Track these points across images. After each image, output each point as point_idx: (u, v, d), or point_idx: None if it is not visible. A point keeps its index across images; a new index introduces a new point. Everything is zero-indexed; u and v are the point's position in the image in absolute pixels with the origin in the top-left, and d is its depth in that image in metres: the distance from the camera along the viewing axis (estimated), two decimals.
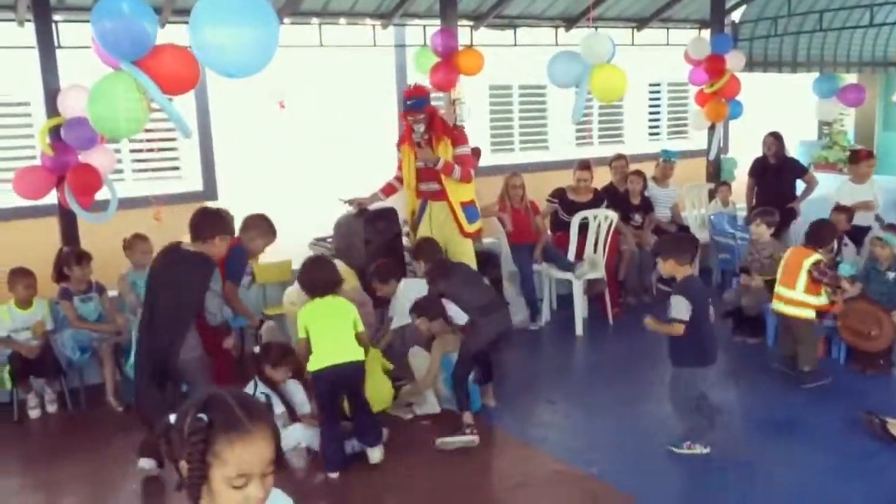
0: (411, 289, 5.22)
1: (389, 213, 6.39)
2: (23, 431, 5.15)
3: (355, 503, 4.09)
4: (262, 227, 5.10)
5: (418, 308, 4.90)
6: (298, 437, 4.51)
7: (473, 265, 5.94)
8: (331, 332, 4.36)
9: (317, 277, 4.51)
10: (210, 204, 6.85)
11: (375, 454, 4.39)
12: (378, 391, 4.93)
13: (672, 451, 4.41)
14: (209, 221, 4.23)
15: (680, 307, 4.28)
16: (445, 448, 4.56)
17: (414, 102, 5.72)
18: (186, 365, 4.05)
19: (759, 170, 8.09)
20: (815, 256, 5.41)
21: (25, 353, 5.20)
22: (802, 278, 5.40)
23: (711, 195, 8.49)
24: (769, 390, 5.40)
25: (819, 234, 5.57)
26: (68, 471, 4.50)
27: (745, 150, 9.14)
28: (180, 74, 4.37)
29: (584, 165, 7.34)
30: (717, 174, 8.83)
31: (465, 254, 5.94)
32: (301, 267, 4.62)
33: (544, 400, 5.34)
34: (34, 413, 5.28)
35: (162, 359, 4.05)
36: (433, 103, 5.93)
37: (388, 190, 6.23)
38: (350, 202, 6.24)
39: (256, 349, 4.72)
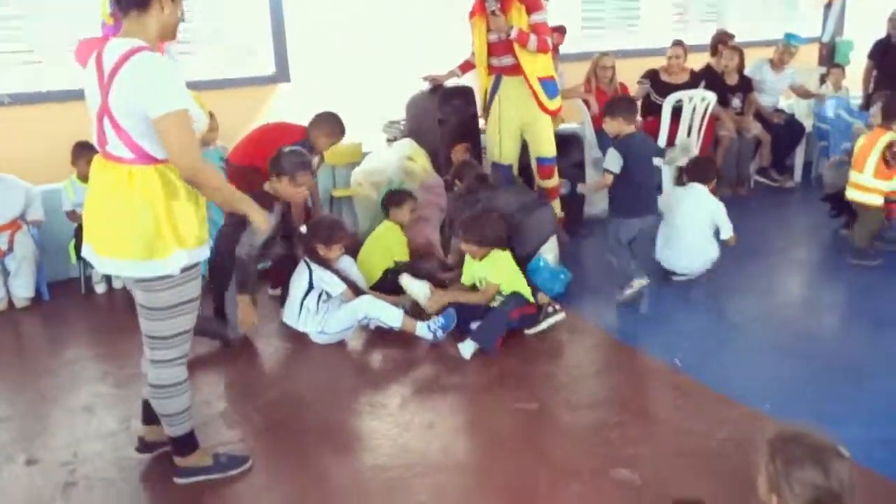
0: None
1: (465, 92, 5.98)
2: (89, 305, 5.13)
3: (479, 389, 3.87)
4: (329, 125, 4.94)
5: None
6: (366, 310, 4.25)
7: (553, 147, 5.51)
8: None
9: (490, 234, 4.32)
10: (282, 86, 6.63)
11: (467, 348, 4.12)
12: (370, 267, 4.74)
13: (620, 301, 4.62)
14: (271, 162, 4.24)
15: (612, 159, 4.58)
16: (538, 332, 4.31)
17: None
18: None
19: (881, 52, 7.31)
20: (890, 135, 4.88)
21: None
22: (872, 160, 4.98)
23: (823, 80, 7.70)
24: (874, 286, 4.90)
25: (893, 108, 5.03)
26: (131, 343, 4.40)
27: (861, 33, 8.23)
28: None
29: (678, 42, 6.70)
30: (830, 57, 8.00)
31: (544, 133, 5.47)
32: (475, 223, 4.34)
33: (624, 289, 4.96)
34: (100, 288, 5.26)
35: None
36: None
37: (466, 67, 5.78)
38: (426, 78, 5.84)
39: (303, 228, 4.45)
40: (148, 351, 2.93)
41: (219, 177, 2.77)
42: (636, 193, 4.62)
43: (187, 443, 3.06)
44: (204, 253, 2.79)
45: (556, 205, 5.53)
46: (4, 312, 4.99)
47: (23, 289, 4.99)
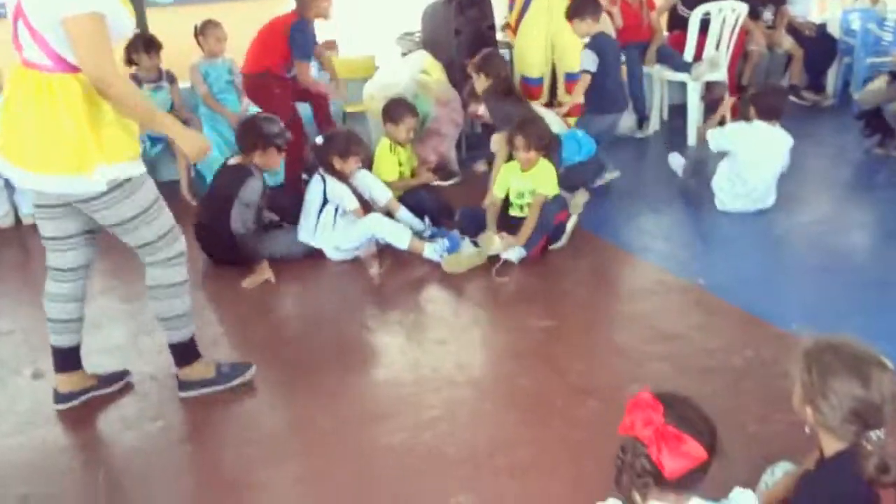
0: None
1: (482, 1, 5.71)
2: None
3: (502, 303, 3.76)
4: None
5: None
6: (374, 228, 4.10)
7: (577, 60, 5.26)
8: None
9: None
10: None
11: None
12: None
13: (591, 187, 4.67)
14: (245, 133, 4.16)
15: (588, 59, 4.80)
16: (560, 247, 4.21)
17: None
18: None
19: None
20: None
21: None
22: None
23: None
24: None
25: None
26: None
27: None
28: None
29: None
30: None
31: (574, 45, 5.22)
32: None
33: (649, 209, 4.79)
34: None
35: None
36: None
37: None
38: None
39: (319, 139, 4.29)
40: (140, 256, 2.80)
41: (136, 93, 2.57)
42: (612, 90, 4.89)
43: (189, 350, 2.97)
44: (136, 168, 2.58)
45: (572, 121, 5.33)
46: (10, 229, 4.92)
47: (28, 206, 4.86)
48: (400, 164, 4.81)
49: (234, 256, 4.05)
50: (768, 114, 4.45)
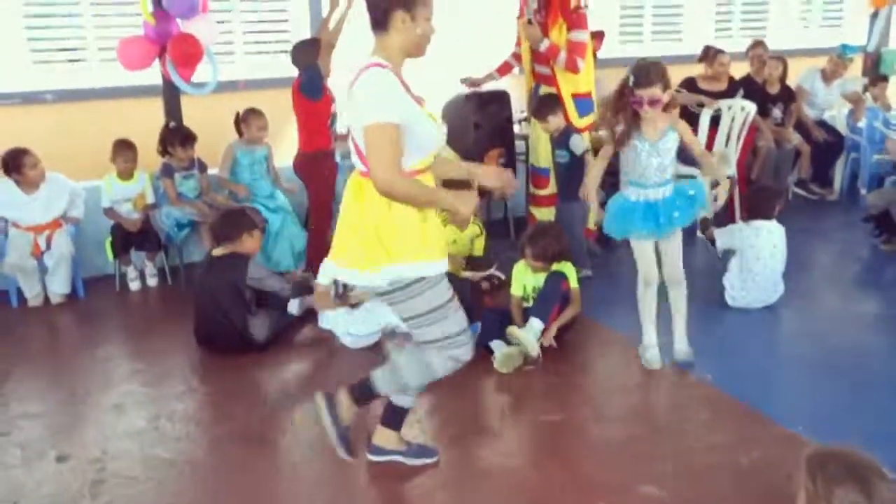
0: None
1: (501, 97, 5.96)
2: (122, 303, 5.20)
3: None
4: (309, 45, 5.08)
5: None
6: (387, 313, 4.11)
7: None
8: None
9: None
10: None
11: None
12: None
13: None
14: (231, 222, 4.36)
15: (581, 143, 5.04)
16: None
17: None
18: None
19: None
20: None
21: (126, 225, 5.22)
22: None
23: (865, 90, 7.52)
24: None
25: None
26: (163, 342, 4.49)
27: None
28: None
29: (720, 51, 6.60)
30: (875, 68, 7.82)
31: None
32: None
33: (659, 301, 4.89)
34: (134, 286, 5.31)
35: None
36: None
37: (504, 69, 5.76)
38: (464, 81, 5.82)
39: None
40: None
41: (418, 191, 2.66)
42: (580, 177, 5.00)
43: (400, 418, 3.14)
44: (430, 269, 2.74)
45: (549, 212, 5.50)
46: (40, 309, 5.07)
47: (59, 286, 5.07)
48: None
49: (238, 344, 4.21)
50: (760, 214, 4.73)
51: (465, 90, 5.86)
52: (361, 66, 2.63)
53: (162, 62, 5.26)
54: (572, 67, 5.19)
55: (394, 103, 2.58)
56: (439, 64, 6.18)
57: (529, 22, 5.15)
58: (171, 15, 5.14)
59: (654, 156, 3.62)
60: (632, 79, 3.57)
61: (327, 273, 2.91)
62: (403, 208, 2.65)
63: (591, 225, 5.37)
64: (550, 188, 5.57)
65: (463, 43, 7.10)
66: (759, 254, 4.61)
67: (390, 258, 2.66)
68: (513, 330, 4.06)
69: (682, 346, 4.01)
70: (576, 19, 5.18)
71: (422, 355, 2.89)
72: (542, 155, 5.53)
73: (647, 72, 3.51)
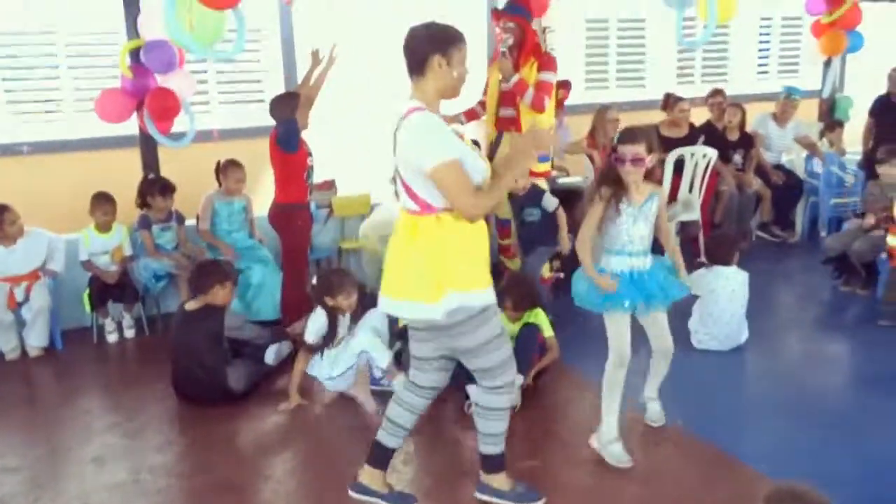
0: None
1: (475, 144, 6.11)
2: (100, 355, 5.22)
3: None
4: (286, 100, 5.12)
5: None
6: (364, 344, 4.22)
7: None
8: None
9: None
10: None
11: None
12: None
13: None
14: (204, 273, 4.44)
15: (551, 201, 5.23)
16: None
17: (507, 6, 5.30)
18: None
19: (882, 109, 7.41)
20: None
21: (104, 277, 5.27)
22: None
23: (821, 136, 7.82)
24: (876, 345, 4.96)
25: None
26: (141, 394, 4.53)
27: (864, 89, 8.38)
28: None
29: (680, 98, 6.87)
30: (829, 113, 8.13)
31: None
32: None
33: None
34: (112, 338, 5.34)
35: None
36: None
37: (470, 115, 5.77)
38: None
39: (314, 280, 4.47)
40: (477, 379, 3.14)
41: (493, 195, 2.90)
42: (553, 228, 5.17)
43: (498, 462, 3.27)
44: (490, 296, 2.96)
45: (516, 263, 5.62)
46: (17, 362, 5.08)
47: (36, 339, 5.09)
48: None
49: (215, 395, 4.28)
50: (719, 261, 4.94)
51: None
52: (402, 112, 2.85)
53: (139, 115, 5.35)
54: (539, 105, 5.29)
55: (447, 141, 2.80)
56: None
57: (503, 55, 5.27)
58: (149, 70, 5.26)
59: (639, 220, 3.48)
60: (617, 136, 3.57)
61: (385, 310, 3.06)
62: (461, 241, 2.87)
63: (546, 273, 5.49)
64: (513, 237, 5.66)
65: None
66: (718, 298, 4.80)
67: (455, 287, 2.85)
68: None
69: (655, 407, 3.99)
70: (546, 61, 5.33)
71: (483, 403, 3.12)
72: (505, 207, 5.61)
73: (633, 131, 3.49)
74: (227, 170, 5.58)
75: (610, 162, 3.54)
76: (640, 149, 3.40)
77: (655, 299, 3.55)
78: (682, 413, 4.03)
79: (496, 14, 5.41)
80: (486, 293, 2.95)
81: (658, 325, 3.72)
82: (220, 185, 5.63)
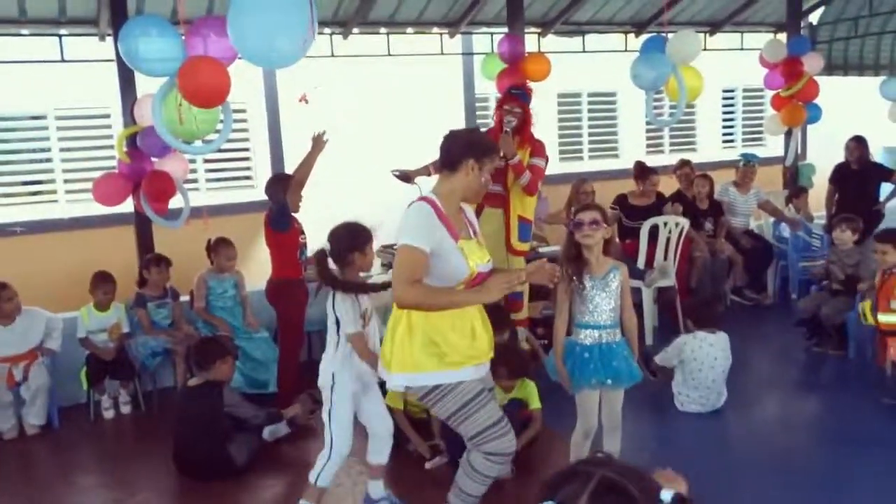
0: None
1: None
2: (98, 431, 5.28)
3: None
4: (278, 181, 5.33)
5: None
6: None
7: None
8: None
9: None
10: None
11: None
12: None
13: None
14: (204, 350, 4.57)
15: None
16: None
17: (520, 93, 5.59)
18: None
19: (841, 176, 7.83)
20: None
21: (101, 354, 5.37)
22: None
23: (788, 202, 8.20)
24: (848, 405, 5.18)
25: None
26: (141, 470, 4.61)
27: (824, 156, 8.83)
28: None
29: (652, 171, 7.21)
30: (794, 180, 8.54)
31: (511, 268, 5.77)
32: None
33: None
34: (108, 414, 5.41)
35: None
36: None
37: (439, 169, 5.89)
38: (394, 172, 5.68)
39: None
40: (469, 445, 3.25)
41: (426, 296, 2.96)
42: None
43: None
44: (428, 379, 3.09)
45: (522, 332, 5.70)
46: (15, 440, 5.12)
47: (35, 417, 5.15)
48: None
49: (217, 468, 4.38)
50: (703, 324, 5.14)
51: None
52: (414, 199, 3.10)
53: (135, 197, 5.54)
54: (533, 189, 5.52)
55: (426, 232, 2.97)
56: (398, 188, 6.50)
57: (507, 133, 5.39)
58: (146, 153, 5.48)
59: (603, 290, 3.61)
60: (574, 210, 3.79)
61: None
62: (426, 321, 3.02)
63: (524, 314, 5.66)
64: (525, 311, 5.74)
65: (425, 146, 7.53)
66: (701, 365, 5.00)
67: (400, 369, 3.07)
68: None
69: None
70: (538, 147, 5.57)
71: (472, 461, 3.22)
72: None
73: (588, 203, 3.75)
74: (219, 248, 5.76)
75: (569, 238, 3.65)
76: (596, 215, 3.57)
77: (621, 381, 3.67)
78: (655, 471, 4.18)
79: (507, 96, 5.64)
80: (433, 375, 3.07)
81: (612, 403, 3.77)
82: (211, 263, 5.80)
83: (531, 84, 6.35)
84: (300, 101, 6.36)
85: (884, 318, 5.14)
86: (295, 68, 4.21)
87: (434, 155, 5.79)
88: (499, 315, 4.51)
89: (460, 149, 3.09)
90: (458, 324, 3.08)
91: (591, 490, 1.32)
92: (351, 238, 3.72)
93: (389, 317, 3.20)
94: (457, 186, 3.10)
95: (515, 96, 5.56)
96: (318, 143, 5.16)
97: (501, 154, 5.41)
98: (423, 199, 3.08)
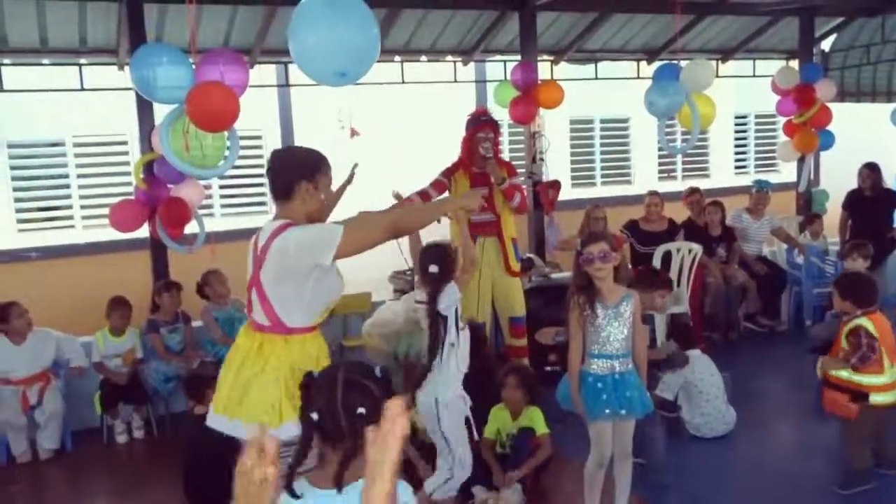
0: None
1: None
2: (111, 456, 5.32)
3: None
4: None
5: None
6: None
7: (522, 304, 5.81)
8: None
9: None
10: None
11: None
12: None
13: None
14: (194, 382, 4.50)
15: None
16: None
17: (489, 119, 5.59)
18: None
19: (854, 202, 7.80)
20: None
21: (115, 379, 5.41)
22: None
23: (802, 228, 8.18)
24: None
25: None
26: (153, 494, 4.62)
27: (839, 182, 8.81)
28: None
29: (653, 192, 7.26)
30: (807, 206, 8.53)
31: (517, 293, 5.80)
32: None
33: None
34: (122, 438, 5.44)
35: None
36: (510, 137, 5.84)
37: (440, 186, 5.72)
38: (395, 194, 5.44)
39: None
40: None
41: (407, 217, 3.06)
42: None
43: None
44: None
45: (525, 362, 5.71)
46: (29, 464, 5.15)
47: (49, 441, 5.19)
48: None
49: (227, 494, 4.34)
50: (689, 344, 5.18)
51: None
52: (272, 227, 2.80)
53: (151, 223, 5.61)
54: (523, 207, 5.67)
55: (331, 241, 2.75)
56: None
57: (489, 160, 5.43)
58: (162, 180, 5.55)
59: (616, 319, 3.57)
60: (579, 243, 3.69)
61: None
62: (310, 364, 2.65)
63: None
64: (525, 340, 5.79)
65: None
66: (701, 384, 5.01)
67: (290, 416, 2.68)
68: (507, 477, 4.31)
69: None
70: (512, 167, 5.70)
71: None
72: (518, 303, 5.76)
73: (594, 233, 3.74)
74: (210, 279, 5.82)
75: (578, 267, 3.61)
76: (604, 246, 3.53)
77: (634, 411, 3.65)
78: (678, 501, 4.16)
79: (481, 124, 5.57)
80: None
81: (624, 431, 3.74)
82: (207, 298, 5.85)
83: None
84: (351, 136, 6.37)
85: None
86: (312, 95, 4.26)
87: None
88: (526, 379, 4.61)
89: (289, 173, 2.82)
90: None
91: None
92: None
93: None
94: (298, 212, 2.84)
95: (488, 123, 5.58)
96: (350, 176, 5.12)
97: (493, 180, 5.48)
98: (290, 224, 2.81)
